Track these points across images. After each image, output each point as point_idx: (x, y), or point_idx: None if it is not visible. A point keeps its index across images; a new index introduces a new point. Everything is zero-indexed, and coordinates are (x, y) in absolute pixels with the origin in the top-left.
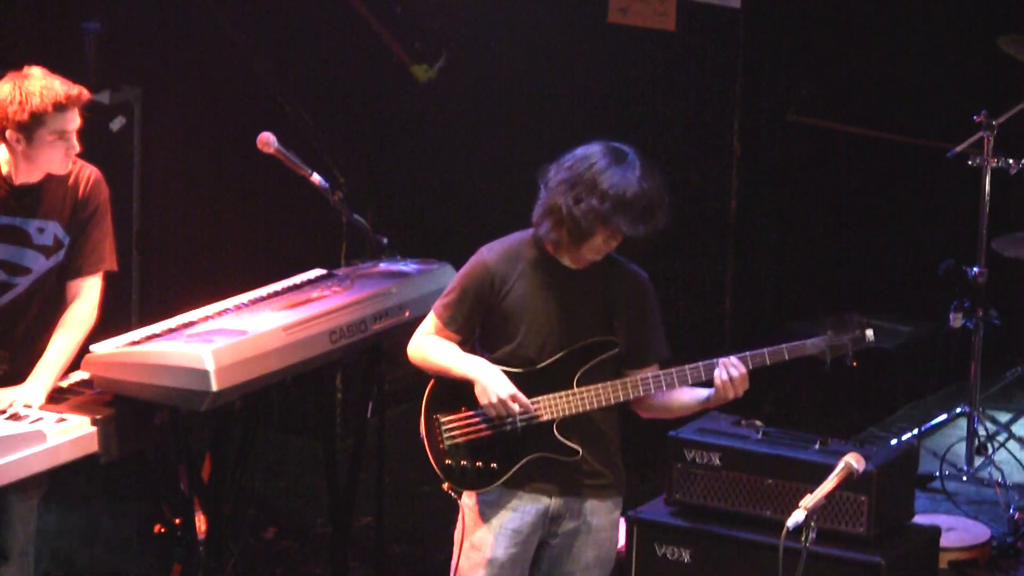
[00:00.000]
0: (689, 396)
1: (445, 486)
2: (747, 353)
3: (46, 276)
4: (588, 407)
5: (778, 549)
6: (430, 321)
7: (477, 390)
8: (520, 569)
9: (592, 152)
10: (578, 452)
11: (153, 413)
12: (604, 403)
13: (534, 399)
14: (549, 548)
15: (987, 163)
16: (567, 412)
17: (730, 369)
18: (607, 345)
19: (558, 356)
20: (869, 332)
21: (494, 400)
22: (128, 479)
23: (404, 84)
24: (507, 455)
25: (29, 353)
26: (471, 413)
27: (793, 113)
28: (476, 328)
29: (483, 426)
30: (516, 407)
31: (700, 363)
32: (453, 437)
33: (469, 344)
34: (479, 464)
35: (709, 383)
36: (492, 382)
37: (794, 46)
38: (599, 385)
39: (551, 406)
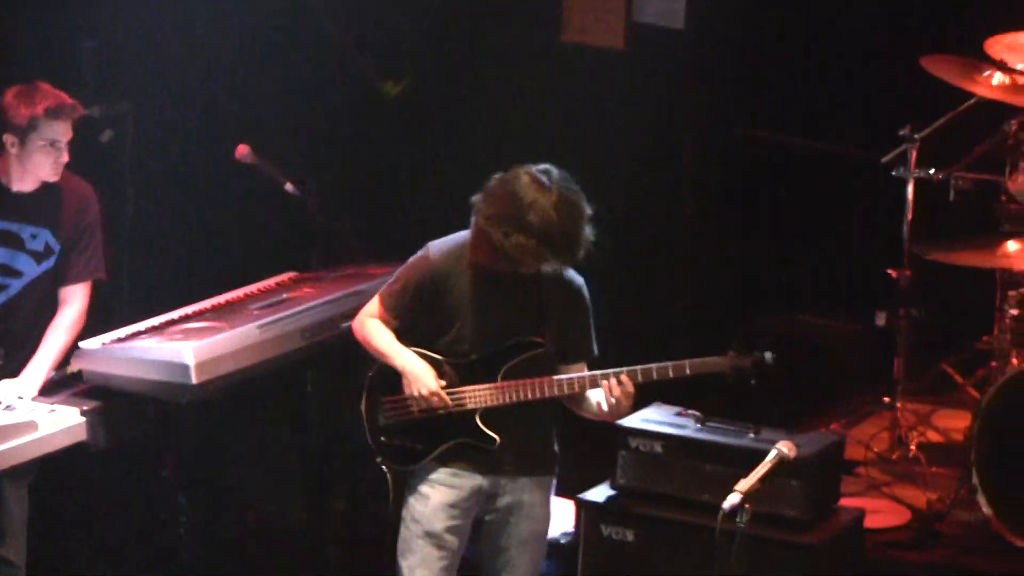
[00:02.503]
0: (598, 405)
1: (378, 460)
2: (652, 365)
3: (38, 280)
4: (508, 400)
5: (715, 530)
6: (375, 303)
7: (404, 382)
8: (459, 541)
9: (517, 184)
10: (495, 441)
11: (139, 405)
12: (522, 397)
13: (462, 388)
14: (486, 524)
15: (910, 174)
16: (489, 403)
17: (614, 385)
18: (531, 344)
19: (488, 351)
20: (768, 355)
21: (415, 394)
22: (115, 467)
23: (374, 99)
24: (433, 437)
25: (23, 350)
26: (406, 396)
27: (738, 127)
28: (416, 318)
29: (415, 409)
30: (435, 401)
31: (599, 371)
32: (388, 416)
33: (410, 330)
34: (408, 443)
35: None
36: (416, 377)
37: (737, 64)
38: (520, 381)
39: (476, 396)
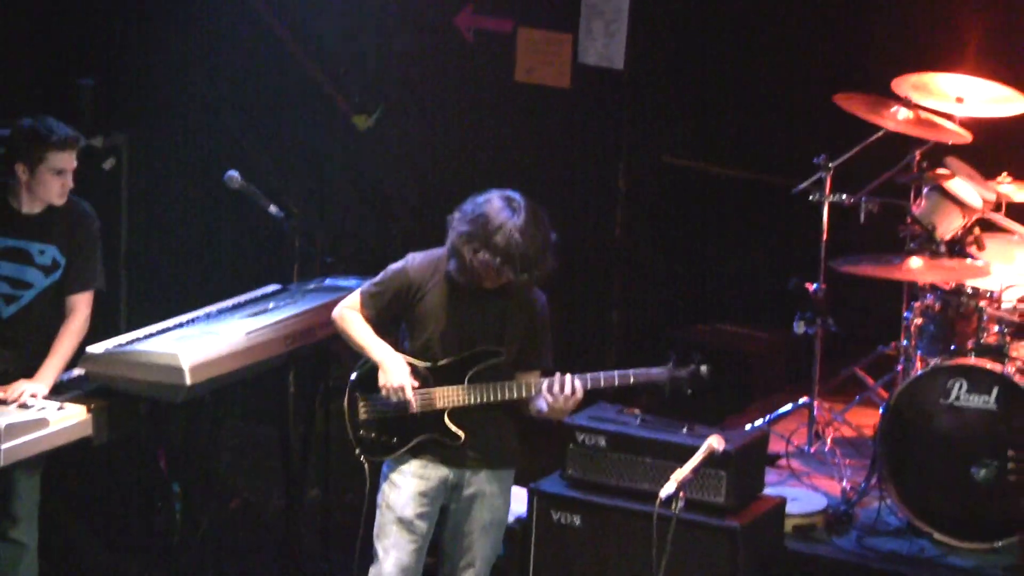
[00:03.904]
0: (546, 408)
1: (357, 452)
2: (600, 373)
3: (46, 291)
4: (473, 401)
5: (653, 515)
6: (356, 298)
7: (379, 373)
8: (428, 526)
9: (488, 208)
10: (460, 438)
11: (138, 404)
12: (486, 399)
13: (432, 390)
14: (451, 512)
15: (825, 198)
16: (455, 404)
17: (565, 386)
18: (494, 353)
19: (455, 357)
20: (704, 369)
21: (387, 385)
22: (116, 458)
23: (347, 131)
24: (405, 433)
25: (33, 354)
26: (382, 395)
27: (668, 156)
28: (388, 319)
29: (389, 407)
30: (403, 394)
31: (553, 378)
32: (366, 413)
33: (388, 331)
34: (383, 437)
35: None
36: (391, 369)
37: (668, 100)
38: (484, 384)
39: (444, 397)
